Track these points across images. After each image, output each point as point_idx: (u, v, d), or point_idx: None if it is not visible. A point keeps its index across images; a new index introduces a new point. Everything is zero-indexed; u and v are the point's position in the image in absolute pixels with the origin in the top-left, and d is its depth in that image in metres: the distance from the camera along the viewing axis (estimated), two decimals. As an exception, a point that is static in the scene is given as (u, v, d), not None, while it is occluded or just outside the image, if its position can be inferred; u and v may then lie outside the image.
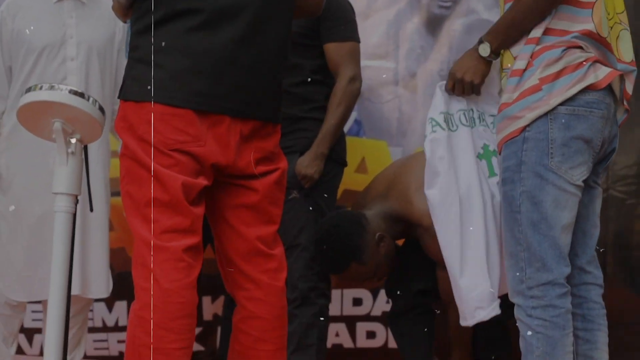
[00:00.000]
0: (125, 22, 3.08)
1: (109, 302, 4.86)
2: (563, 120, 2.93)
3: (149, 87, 2.82)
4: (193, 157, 2.82)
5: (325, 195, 3.71)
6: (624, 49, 3.06)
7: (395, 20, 4.54)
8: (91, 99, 3.06)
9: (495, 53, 3.07)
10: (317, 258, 3.63)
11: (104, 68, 3.91)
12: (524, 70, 2.95)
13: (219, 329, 4.36)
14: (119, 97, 2.94)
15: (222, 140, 2.85)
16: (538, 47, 2.95)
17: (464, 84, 3.15)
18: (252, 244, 2.91)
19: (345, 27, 3.73)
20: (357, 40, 3.76)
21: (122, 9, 2.99)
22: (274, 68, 2.93)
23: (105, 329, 4.93)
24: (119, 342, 4.97)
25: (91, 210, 3.21)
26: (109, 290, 3.99)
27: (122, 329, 4.95)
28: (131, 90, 2.87)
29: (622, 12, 3.10)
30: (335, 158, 3.73)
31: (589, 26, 2.95)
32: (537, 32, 2.96)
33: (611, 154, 3.10)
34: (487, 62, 3.11)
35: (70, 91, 3.04)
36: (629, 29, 3.10)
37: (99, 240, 3.93)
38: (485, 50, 3.08)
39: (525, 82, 2.95)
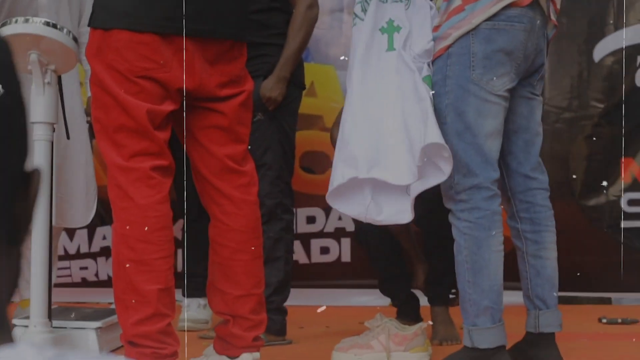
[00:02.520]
0: None
1: (70, 231, 4.97)
2: (484, 35, 3.09)
3: (115, 14, 2.91)
4: (159, 83, 2.93)
5: (288, 117, 3.89)
6: None
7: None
8: (65, 30, 3.18)
9: None
10: (280, 176, 3.81)
11: (72, 1, 4.01)
12: None
13: (179, 251, 4.52)
14: (88, 25, 3.02)
15: (188, 65, 2.96)
16: None
17: None
18: (222, 162, 3.06)
19: None
20: None
21: None
22: None
23: (67, 256, 5.07)
24: (81, 268, 5.11)
25: (68, 137, 3.35)
26: (86, 220, 4.11)
27: (84, 256, 5.09)
28: (99, 17, 2.95)
29: None
30: (295, 82, 3.89)
31: None
32: None
33: (541, 66, 3.24)
34: None
35: (45, 23, 3.17)
36: None
37: (77, 172, 4.01)
38: None
39: (452, 4, 3.12)
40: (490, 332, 3.10)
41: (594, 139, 4.84)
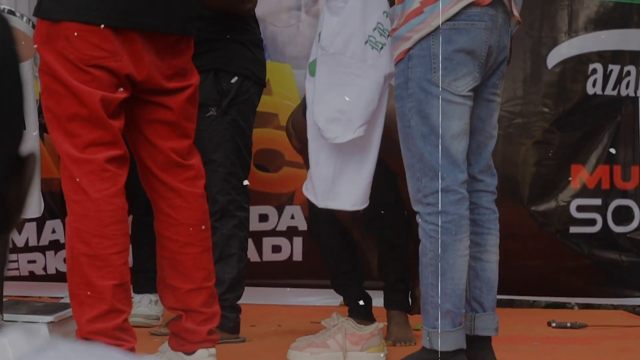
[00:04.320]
0: None
1: (18, 223, 4.90)
2: (444, 36, 3.08)
3: (66, 5, 2.88)
4: (110, 71, 2.91)
5: (245, 112, 3.85)
6: None
7: None
8: (25, 17, 3.14)
9: None
10: (233, 173, 3.79)
11: None
12: None
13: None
14: (35, 14, 2.98)
15: (137, 56, 2.95)
16: None
17: None
18: (168, 156, 3.06)
19: None
20: None
21: None
22: None
23: (15, 249, 5.00)
24: (29, 262, 5.04)
25: (24, 128, 3.30)
26: (39, 210, 4.06)
27: (32, 249, 5.03)
28: (49, 8, 2.92)
29: None
30: (255, 78, 3.86)
31: None
32: None
33: (502, 63, 3.23)
34: None
35: (3, 9, 3.12)
36: None
37: None
38: None
39: (409, 7, 3.11)
40: (451, 336, 3.10)
41: (544, 144, 4.87)
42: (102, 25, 2.88)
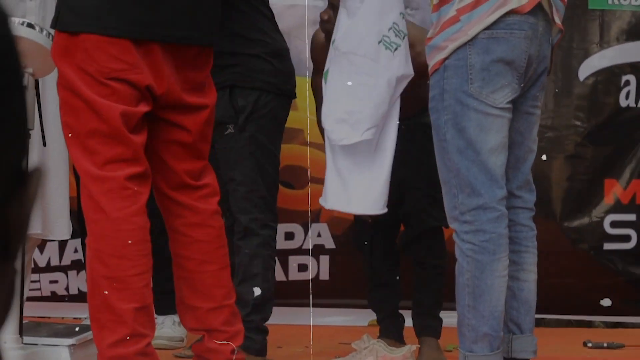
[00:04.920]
0: None
1: (40, 243, 4.83)
2: (481, 45, 2.94)
3: (85, 17, 2.79)
4: (131, 84, 2.81)
5: (268, 126, 3.69)
6: None
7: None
8: (45, 31, 3.05)
9: None
10: (254, 190, 3.67)
11: None
12: (441, 5, 2.98)
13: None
14: (52, 27, 2.89)
15: (157, 69, 2.86)
16: None
17: None
18: (180, 177, 2.98)
19: None
20: None
21: None
22: None
23: (37, 269, 4.92)
24: (51, 282, 4.97)
25: (44, 144, 3.22)
26: (69, 231, 3.96)
27: (54, 269, 4.95)
28: (67, 20, 2.83)
29: None
30: (274, 90, 3.71)
31: None
32: None
33: (543, 73, 3.09)
34: None
35: (22, 23, 3.04)
36: None
37: (59, 180, 3.85)
38: None
39: (445, 15, 2.98)
40: None
41: (577, 158, 4.75)
42: (122, 37, 2.79)
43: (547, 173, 4.77)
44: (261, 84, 3.68)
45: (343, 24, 3.36)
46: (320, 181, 4.49)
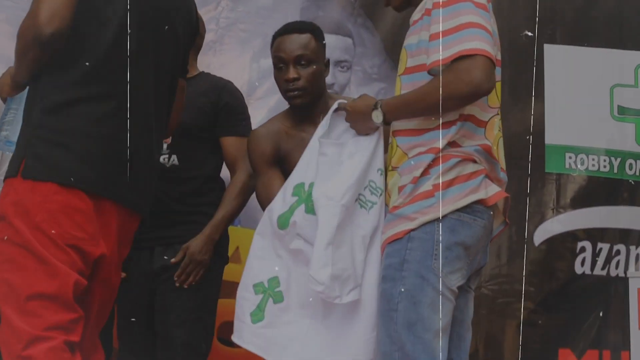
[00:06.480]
0: (9, 97, 2.98)
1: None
2: (449, 224, 2.92)
3: (53, 168, 2.77)
4: (83, 256, 2.78)
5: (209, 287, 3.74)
6: (501, 156, 3.09)
7: (275, 108, 4.53)
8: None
9: (386, 123, 3.04)
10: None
11: None
12: (419, 177, 2.94)
13: None
14: (8, 175, 2.81)
15: (110, 234, 2.86)
16: (436, 157, 2.93)
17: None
18: None
19: (245, 122, 3.83)
20: None
21: (17, 88, 2.92)
22: (157, 159, 3.04)
23: None
24: None
25: None
26: None
27: None
28: (34, 169, 2.76)
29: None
30: (219, 252, 3.76)
31: (487, 142, 2.97)
32: (440, 143, 2.93)
33: (482, 268, 3.12)
34: (375, 127, 3.09)
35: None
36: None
37: None
38: (377, 117, 3.02)
39: (420, 187, 2.94)
40: None
41: (530, 326, 4.66)
42: (93, 194, 2.79)
43: (500, 339, 4.64)
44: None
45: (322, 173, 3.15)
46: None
